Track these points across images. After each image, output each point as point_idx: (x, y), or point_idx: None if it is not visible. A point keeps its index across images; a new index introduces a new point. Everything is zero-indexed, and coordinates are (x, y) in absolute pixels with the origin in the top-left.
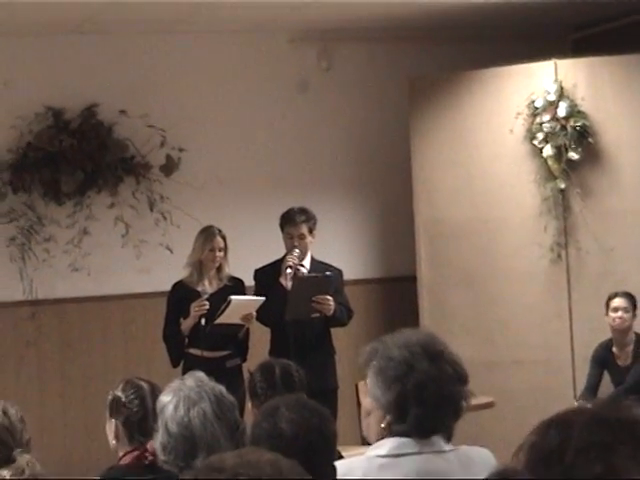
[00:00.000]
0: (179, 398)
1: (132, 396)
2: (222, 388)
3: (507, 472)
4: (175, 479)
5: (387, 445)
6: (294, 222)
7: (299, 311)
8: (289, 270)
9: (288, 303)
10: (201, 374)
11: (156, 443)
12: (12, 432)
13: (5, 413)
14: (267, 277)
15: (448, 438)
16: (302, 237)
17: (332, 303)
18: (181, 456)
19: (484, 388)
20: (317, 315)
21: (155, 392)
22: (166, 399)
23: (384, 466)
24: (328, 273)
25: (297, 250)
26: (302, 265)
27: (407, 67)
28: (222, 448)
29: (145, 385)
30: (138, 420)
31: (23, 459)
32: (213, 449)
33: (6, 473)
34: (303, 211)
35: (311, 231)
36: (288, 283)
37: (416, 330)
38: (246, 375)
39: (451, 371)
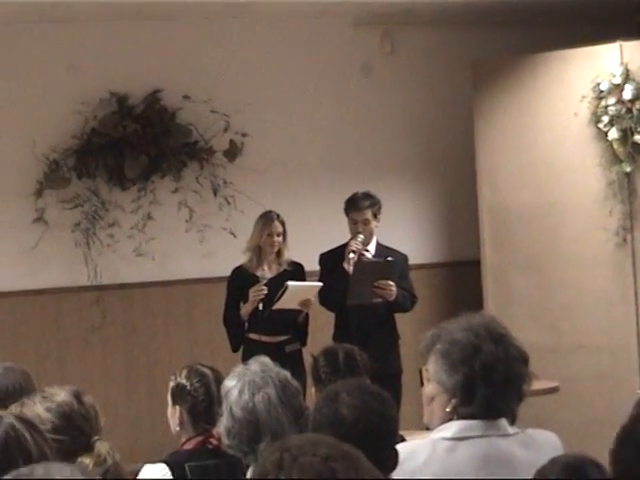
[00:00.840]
0: (244, 383)
1: (197, 384)
2: (287, 373)
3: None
4: (239, 463)
5: (453, 427)
6: (358, 207)
7: (361, 296)
8: (352, 255)
9: (350, 288)
10: (266, 359)
11: (220, 427)
12: (88, 419)
13: (80, 400)
14: (331, 261)
15: (512, 421)
16: (366, 222)
17: (394, 288)
18: (245, 441)
19: (548, 373)
20: (379, 300)
21: (219, 379)
22: (231, 384)
23: (450, 449)
24: (390, 258)
25: (361, 235)
26: (367, 250)
27: (470, 51)
28: (286, 433)
29: (209, 372)
30: (204, 408)
31: (103, 446)
32: (277, 434)
33: (88, 461)
34: (368, 196)
35: (375, 216)
36: (351, 268)
37: (477, 314)
38: (307, 360)
39: (515, 353)
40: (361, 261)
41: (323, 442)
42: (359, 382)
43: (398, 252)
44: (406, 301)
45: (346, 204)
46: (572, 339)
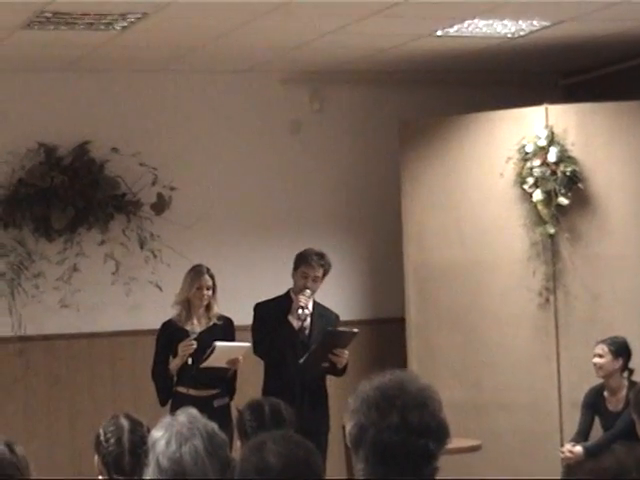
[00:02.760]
0: (171, 434)
1: (109, 434)
2: (214, 425)
3: None
4: None
5: None
6: (312, 263)
7: (317, 361)
8: (301, 311)
9: (311, 352)
10: (193, 410)
11: (146, 478)
12: (20, 469)
13: (11, 449)
14: (269, 312)
15: None
16: (316, 279)
17: (347, 357)
18: None
19: (471, 431)
20: (327, 365)
21: (137, 429)
22: (158, 434)
23: None
24: (355, 330)
25: (308, 291)
26: (306, 307)
27: (398, 110)
28: None
29: (126, 423)
30: (113, 458)
31: None
32: None
33: None
34: (322, 255)
35: (324, 275)
36: (297, 323)
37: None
38: (234, 414)
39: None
40: (332, 330)
41: None
42: (285, 432)
43: (331, 311)
44: (344, 369)
45: (298, 258)
46: (495, 397)
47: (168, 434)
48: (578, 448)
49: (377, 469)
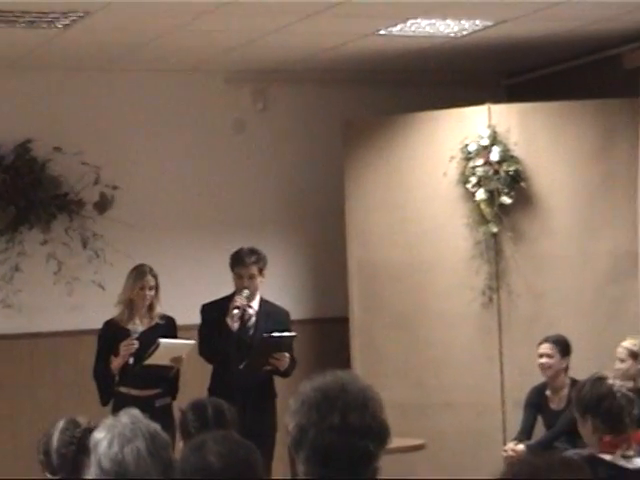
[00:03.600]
0: (113, 435)
1: (45, 434)
2: (157, 426)
3: None
4: None
5: None
6: (244, 263)
7: (257, 366)
8: (236, 311)
9: (250, 358)
10: (136, 411)
11: (88, 478)
12: None
13: None
14: (214, 313)
15: None
16: (252, 277)
17: (288, 360)
18: None
19: (415, 430)
20: (270, 368)
21: (68, 429)
22: (100, 435)
23: None
24: (294, 333)
25: (246, 291)
26: (250, 306)
27: (342, 110)
28: None
29: (61, 423)
30: (44, 457)
31: None
32: None
33: None
34: (253, 252)
35: (261, 271)
36: (235, 324)
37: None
38: (176, 414)
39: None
40: (269, 337)
41: None
42: (225, 432)
43: (281, 308)
44: (290, 369)
45: (232, 259)
46: (438, 396)
47: (110, 435)
48: (521, 447)
49: (317, 470)
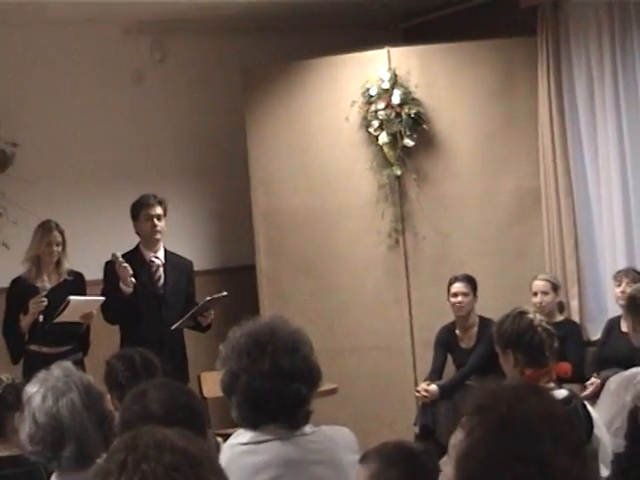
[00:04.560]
0: (47, 388)
1: None
2: (90, 378)
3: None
4: (38, 472)
5: (249, 432)
6: (150, 203)
7: (187, 322)
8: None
9: (184, 319)
10: (68, 364)
11: (23, 434)
12: None
13: None
14: (114, 270)
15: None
16: (160, 218)
17: (212, 316)
18: (49, 447)
19: (326, 375)
20: (193, 324)
21: None
22: (32, 389)
23: (245, 453)
24: (225, 293)
25: (118, 253)
26: (157, 257)
27: (241, 58)
28: (91, 438)
29: None
30: None
31: None
32: (82, 439)
33: None
34: (154, 195)
35: (165, 214)
36: (129, 289)
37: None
38: (93, 368)
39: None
40: (209, 300)
41: (170, 446)
42: (165, 380)
43: (184, 258)
44: (209, 325)
45: (136, 205)
46: (348, 341)
47: (44, 389)
48: (433, 387)
49: (250, 415)
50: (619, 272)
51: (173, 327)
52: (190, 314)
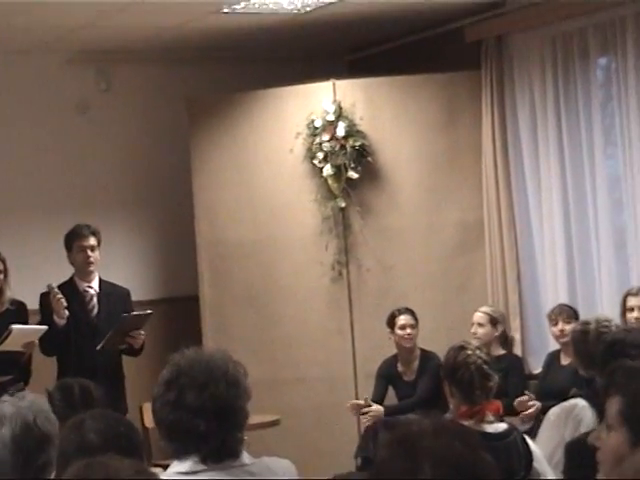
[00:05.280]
0: None
1: None
2: (42, 416)
3: None
4: None
5: (188, 462)
6: (83, 234)
7: (114, 344)
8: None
9: (109, 336)
10: (33, 397)
11: None
12: None
13: None
14: (49, 301)
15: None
16: (93, 249)
17: (143, 338)
18: None
19: (269, 407)
20: (124, 347)
21: None
22: None
23: None
24: (149, 311)
25: (55, 288)
26: (90, 287)
27: (187, 88)
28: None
29: None
30: None
31: None
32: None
33: None
34: (87, 225)
35: (99, 245)
36: (61, 321)
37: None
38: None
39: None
40: (127, 316)
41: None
42: (102, 410)
43: (120, 287)
44: (141, 349)
45: (69, 236)
46: (291, 372)
47: None
48: (378, 406)
49: (166, 443)
50: (553, 311)
51: (98, 347)
52: (113, 331)
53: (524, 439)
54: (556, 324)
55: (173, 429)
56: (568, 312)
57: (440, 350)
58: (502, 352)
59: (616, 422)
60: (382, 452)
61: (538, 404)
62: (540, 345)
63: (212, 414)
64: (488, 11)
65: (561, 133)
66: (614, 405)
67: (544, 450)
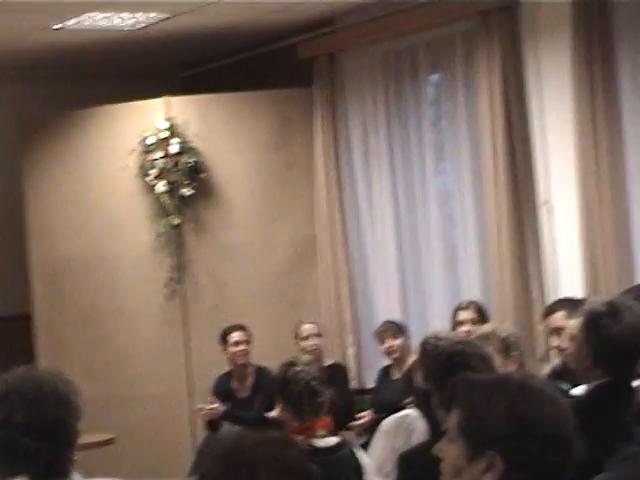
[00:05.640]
0: None
1: None
2: None
3: None
4: None
5: None
6: None
7: None
8: None
9: None
10: None
11: None
12: None
13: None
14: None
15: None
16: None
17: None
18: None
19: (103, 425)
20: None
21: None
22: None
23: None
24: None
25: None
26: None
27: (17, 107)
28: None
29: None
30: None
31: None
32: None
33: None
34: None
35: None
36: None
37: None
38: None
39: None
40: None
41: None
42: None
43: None
44: None
45: None
46: (126, 390)
47: None
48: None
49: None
50: (378, 329)
51: None
52: None
53: (353, 453)
54: (383, 342)
55: (1, 449)
56: (393, 328)
57: (274, 366)
58: (330, 362)
59: (455, 434)
60: (212, 466)
61: (369, 414)
62: (375, 360)
63: (40, 432)
64: (319, 29)
65: (392, 150)
66: (453, 417)
67: (376, 460)
